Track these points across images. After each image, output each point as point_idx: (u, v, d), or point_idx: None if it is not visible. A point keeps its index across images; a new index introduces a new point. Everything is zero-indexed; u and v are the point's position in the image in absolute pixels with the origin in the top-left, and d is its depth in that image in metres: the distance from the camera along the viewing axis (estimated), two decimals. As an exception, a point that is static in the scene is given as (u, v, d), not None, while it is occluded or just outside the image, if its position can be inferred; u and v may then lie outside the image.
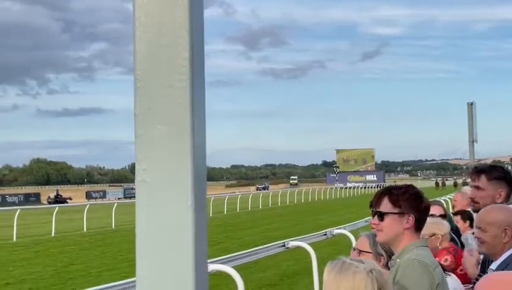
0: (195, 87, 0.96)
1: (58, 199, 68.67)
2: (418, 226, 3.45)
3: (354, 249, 4.05)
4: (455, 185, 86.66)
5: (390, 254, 3.71)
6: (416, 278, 3.26)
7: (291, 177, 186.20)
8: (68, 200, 68.79)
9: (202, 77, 1.00)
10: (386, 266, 3.66)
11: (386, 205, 3.44)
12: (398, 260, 3.38)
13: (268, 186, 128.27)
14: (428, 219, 5.69)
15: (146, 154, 0.96)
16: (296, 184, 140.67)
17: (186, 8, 0.95)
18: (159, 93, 0.96)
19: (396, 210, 3.41)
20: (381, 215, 3.44)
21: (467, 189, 8.06)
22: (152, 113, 0.96)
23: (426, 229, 5.35)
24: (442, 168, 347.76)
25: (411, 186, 3.62)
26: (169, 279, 0.95)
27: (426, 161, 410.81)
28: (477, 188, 4.66)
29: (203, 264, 0.99)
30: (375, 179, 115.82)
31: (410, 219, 3.40)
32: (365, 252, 3.90)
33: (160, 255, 0.96)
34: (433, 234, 5.39)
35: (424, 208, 3.48)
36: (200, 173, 0.97)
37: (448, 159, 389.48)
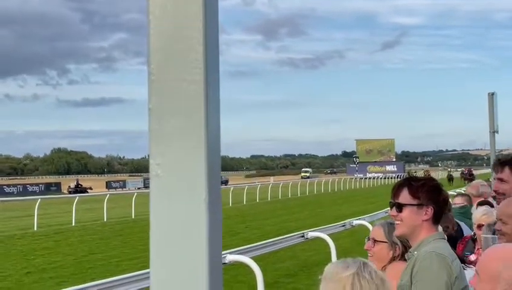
0: (209, 81, 0.95)
1: (79, 189, 69.07)
2: (437, 218, 3.45)
3: (369, 239, 4.04)
4: (450, 179, 67.04)
5: (405, 245, 3.69)
6: (434, 271, 3.25)
7: (303, 169, 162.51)
8: (88, 190, 69.19)
9: (217, 71, 0.98)
10: (402, 256, 3.65)
11: (405, 197, 3.43)
12: (415, 252, 3.37)
13: (336, 171, 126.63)
14: (481, 207, 5.63)
15: (160, 149, 0.96)
16: (308, 177, 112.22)
17: (200, 2, 0.94)
18: (173, 88, 0.95)
19: (415, 202, 3.40)
20: (400, 207, 3.44)
21: (477, 183, 8.00)
22: (166, 107, 0.96)
23: (489, 218, 5.30)
24: (463, 159, 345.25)
25: (430, 179, 3.63)
26: (184, 273, 0.94)
27: (447, 151, 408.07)
28: (501, 180, 4.61)
29: (218, 259, 0.98)
30: (395, 169, 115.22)
31: (429, 211, 3.39)
32: (380, 241, 3.89)
33: (175, 250, 0.95)
34: (482, 225, 5.29)
35: (442, 201, 3.47)
36: (215, 167, 0.96)
37: (469, 150, 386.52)
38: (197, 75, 0.95)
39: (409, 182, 3.49)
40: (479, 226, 5.33)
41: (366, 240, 4.11)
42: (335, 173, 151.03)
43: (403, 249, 3.75)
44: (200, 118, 0.94)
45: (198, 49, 0.94)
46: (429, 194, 3.41)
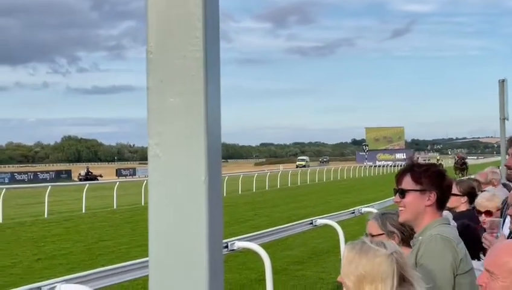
0: (209, 58, 0.92)
1: (89, 176, 69.25)
2: (440, 204, 3.45)
3: (366, 235, 4.02)
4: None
5: (403, 231, 3.68)
6: (439, 253, 3.26)
7: (299, 157, 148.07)
8: (99, 177, 69.39)
9: (217, 48, 0.96)
10: (406, 242, 3.63)
11: (408, 182, 3.44)
12: (420, 237, 3.37)
13: (328, 161, 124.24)
14: (487, 192, 5.62)
15: (159, 129, 0.93)
16: (303, 166, 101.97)
17: (199, -24, 0.92)
18: (172, 65, 0.93)
19: (418, 187, 3.41)
20: (403, 193, 3.44)
21: (487, 169, 7.96)
22: (165, 85, 0.93)
23: (491, 202, 5.29)
24: (473, 147, 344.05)
25: (433, 165, 3.66)
26: (183, 257, 0.93)
27: (457, 139, 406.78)
28: None
29: (218, 242, 0.96)
30: (405, 157, 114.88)
31: (432, 196, 3.39)
32: (377, 235, 3.87)
33: (173, 232, 0.93)
34: (498, 208, 5.26)
35: (446, 186, 3.47)
36: (215, 148, 0.94)
37: (479, 137, 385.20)
38: (197, 52, 0.92)
39: (412, 168, 3.49)
40: (484, 213, 5.31)
41: (364, 236, 4.10)
42: (326, 162, 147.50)
43: (401, 235, 3.73)
44: (199, 97, 0.92)
45: (197, 25, 0.92)
46: (432, 179, 3.41)
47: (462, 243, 3.44)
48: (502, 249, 2.69)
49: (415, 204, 3.40)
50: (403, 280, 2.62)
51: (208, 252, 0.92)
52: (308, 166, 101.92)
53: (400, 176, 3.50)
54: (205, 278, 0.92)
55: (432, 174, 3.43)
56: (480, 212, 5.39)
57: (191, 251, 0.92)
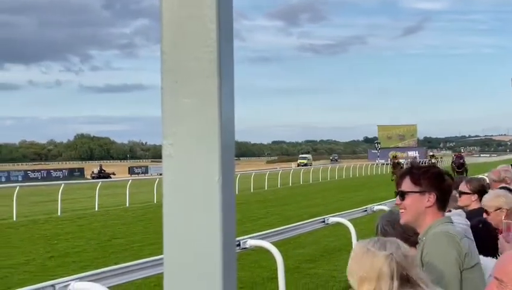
0: (222, 59, 0.93)
1: (102, 174, 69.46)
2: (441, 205, 3.50)
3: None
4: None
5: (406, 236, 3.70)
6: (443, 249, 3.31)
7: (300, 155, 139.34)
8: (112, 175, 69.61)
9: (230, 49, 0.97)
10: (413, 244, 3.65)
11: (407, 184, 3.50)
12: (424, 238, 3.40)
13: (338, 159, 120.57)
14: (493, 191, 5.59)
15: (173, 129, 0.94)
16: (305, 165, 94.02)
17: (212, -22, 0.92)
18: (185, 66, 0.94)
19: (417, 189, 3.46)
20: (403, 195, 3.50)
21: (500, 168, 7.89)
22: (179, 86, 0.94)
23: (491, 202, 5.25)
24: (486, 145, 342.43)
25: (433, 166, 3.74)
26: (197, 256, 0.93)
27: (469, 137, 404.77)
28: None
29: (231, 242, 0.97)
30: (417, 155, 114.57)
31: (432, 198, 3.44)
32: None
33: (187, 232, 0.94)
34: (498, 208, 5.22)
35: (446, 187, 3.53)
36: (228, 148, 0.95)
37: (492, 135, 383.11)
38: (211, 53, 0.93)
39: (411, 170, 3.55)
40: (484, 212, 5.25)
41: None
42: (336, 160, 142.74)
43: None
44: (213, 98, 0.93)
45: (211, 27, 0.93)
46: (431, 180, 3.46)
47: (466, 238, 3.50)
48: (511, 257, 2.70)
49: (415, 206, 3.45)
50: (406, 280, 2.64)
51: (222, 251, 0.93)
52: (311, 164, 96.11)
53: (399, 179, 3.58)
54: (219, 276, 0.93)
55: (430, 175, 3.48)
56: (486, 212, 5.35)
57: (205, 250, 0.93)
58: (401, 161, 49.11)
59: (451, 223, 3.53)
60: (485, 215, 5.28)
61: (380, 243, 2.73)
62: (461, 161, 46.08)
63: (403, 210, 3.51)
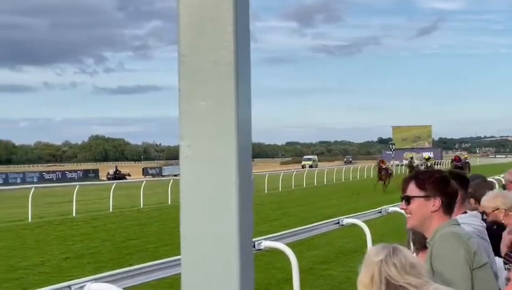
0: (240, 62, 0.94)
1: (117, 175, 69.78)
2: (447, 209, 3.52)
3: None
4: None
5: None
6: (451, 249, 3.33)
7: (304, 157, 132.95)
8: (127, 177, 69.90)
9: (247, 52, 0.97)
10: (424, 248, 3.67)
11: (412, 189, 3.53)
12: (432, 241, 3.42)
13: (351, 160, 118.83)
14: (491, 191, 5.59)
15: (190, 131, 0.95)
16: (310, 166, 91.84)
17: (230, -19, 0.93)
18: (203, 69, 0.94)
19: (422, 193, 3.48)
20: (408, 199, 3.53)
21: None
22: (196, 88, 0.95)
23: (488, 202, 5.24)
24: (502, 145, 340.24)
25: (438, 171, 3.76)
26: (214, 257, 0.94)
27: (485, 137, 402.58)
28: None
29: (249, 244, 0.97)
30: (432, 156, 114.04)
31: (437, 202, 3.46)
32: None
33: (205, 233, 0.94)
34: (496, 208, 5.22)
35: (451, 192, 3.54)
36: (245, 150, 0.96)
37: (508, 136, 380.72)
38: (228, 56, 0.94)
39: (416, 176, 3.62)
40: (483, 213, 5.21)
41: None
42: (350, 162, 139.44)
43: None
44: (230, 100, 0.93)
45: (228, 30, 0.93)
46: (436, 185, 3.48)
47: (474, 238, 3.53)
48: None
49: (420, 210, 3.48)
50: (394, 288, 2.70)
51: (239, 252, 0.93)
52: (316, 166, 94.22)
53: (404, 184, 3.61)
54: (236, 278, 0.93)
55: (435, 180, 3.51)
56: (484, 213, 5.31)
57: (222, 251, 0.94)
58: (416, 161, 47.73)
59: (458, 225, 3.56)
60: (484, 216, 5.26)
61: (379, 249, 2.81)
62: (459, 163, 46.04)
63: (408, 215, 3.55)
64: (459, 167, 44.28)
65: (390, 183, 36.54)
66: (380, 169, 40.18)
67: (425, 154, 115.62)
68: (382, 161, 43.06)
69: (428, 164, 52.78)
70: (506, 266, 4.06)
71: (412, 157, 51.92)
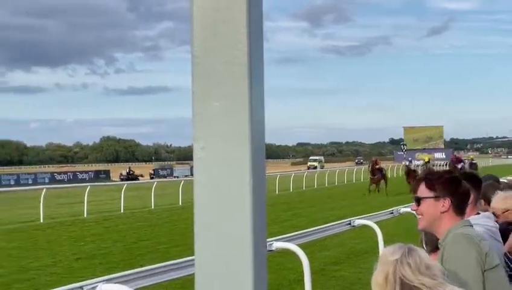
0: (253, 63, 0.94)
1: (130, 176, 69.97)
2: (458, 210, 3.51)
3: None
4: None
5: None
6: (463, 250, 3.33)
7: (311, 157, 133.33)
8: (140, 177, 70.07)
9: (261, 53, 0.97)
10: (436, 249, 3.66)
11: (422, 190, 3.54)
12: (443, 243, 3.42)
13: (362, 162, 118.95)
14: (501, 193, 5.56)
15: (204, 132, 0.95)
16: (315, 167, 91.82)
17: (243, -18, 0.93)
18: (216, 70, 0.95)
19: (432, 194, 3.49)
20: (419, 200, 3.54)
21: None
22: (210, 90, 0.95)
23: (498, 204, 5.21)
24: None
25: (448, 172, 3.76)
26: (228, 258, 0.94)
27: (497, 138, 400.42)
28: None
29: (262, 244, 0.97)
30: (444, 156, 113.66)
31: (446, 203, 3.46)
32: None
33: (219, 234, 0.95)
34: (507, 210, 5.18)
35: (462, 192, 3.53)
36: (259, 151, 0.96)
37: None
38: (241, 57, 0.94)
39: (426, 177, 3.62)
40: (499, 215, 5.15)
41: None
42: (361, 163, 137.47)
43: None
44: (244, 101, 0.94)
45: (242, 31, 0.93)
46: (445, 186, 3.48)
47: (486, 241, 3.50)
48: None
49: (430, 211, 3.49)
50: (409, 288, 2.71)
51: (253, 253, 0.93)
52: (322, 167, 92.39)
53: (415, 185, 3.64)
54: (250, 278, 0.93)
55: (445, 180, 3.51)
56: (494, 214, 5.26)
57: (236, 252, 0.94)
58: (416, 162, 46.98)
59: (470, 226, 3.55)
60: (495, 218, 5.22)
61: (395, 249, 2.82)
62: (460, 165, 41.68)
63: (419, 216, 3.56)
64: (460, 169, 41.62)
65: (387, 186, 34.27)
66: (373, 170, 35.62)
67: (437, 155, 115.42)
68: (375, 161, 38.05)
69: (428, 167, 52.20)
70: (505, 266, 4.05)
71: (428, 161, 51.19)
